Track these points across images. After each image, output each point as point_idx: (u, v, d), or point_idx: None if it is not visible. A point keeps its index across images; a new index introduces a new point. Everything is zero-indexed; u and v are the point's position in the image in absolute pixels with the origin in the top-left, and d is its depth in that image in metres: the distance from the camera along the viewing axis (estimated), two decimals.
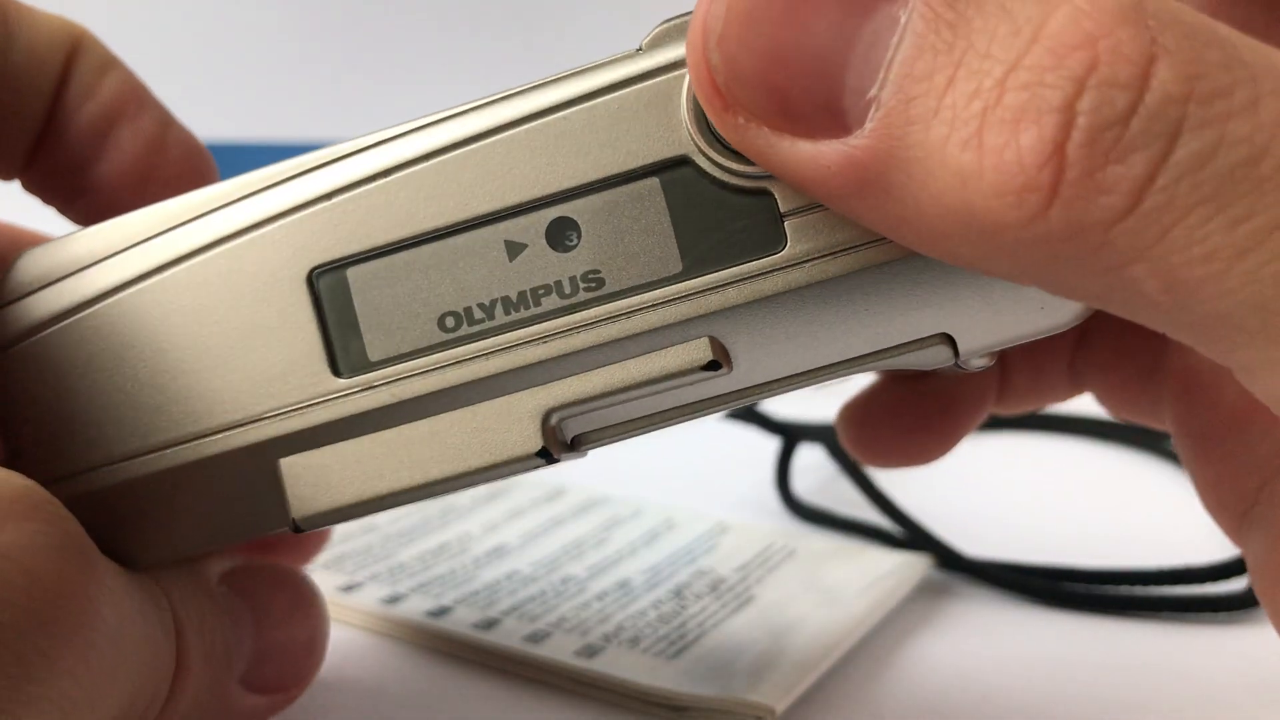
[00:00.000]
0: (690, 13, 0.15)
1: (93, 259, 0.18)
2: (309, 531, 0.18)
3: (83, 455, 0.18)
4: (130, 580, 0.17)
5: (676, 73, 0.16)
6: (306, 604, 0.22)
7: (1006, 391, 0.24)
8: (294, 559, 0.24)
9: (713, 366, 0.16)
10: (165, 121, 0.21)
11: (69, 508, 0.16)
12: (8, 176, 0.21)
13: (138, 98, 0.21)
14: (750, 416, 0.38)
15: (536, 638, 0.25)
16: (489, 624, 0.26)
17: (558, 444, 0.17)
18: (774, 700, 0.22)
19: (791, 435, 0.37)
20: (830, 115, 0.13)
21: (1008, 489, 0.37)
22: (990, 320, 0.16)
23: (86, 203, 0.21)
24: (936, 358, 0.16)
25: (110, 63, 0.21)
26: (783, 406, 0.38)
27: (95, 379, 0.18)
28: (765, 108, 0.14)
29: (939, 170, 0.12)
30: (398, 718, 0.24)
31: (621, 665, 0.24)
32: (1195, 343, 0.13)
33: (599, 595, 0.28)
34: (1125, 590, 0.28)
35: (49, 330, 0.18)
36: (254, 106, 0.73)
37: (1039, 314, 0.16)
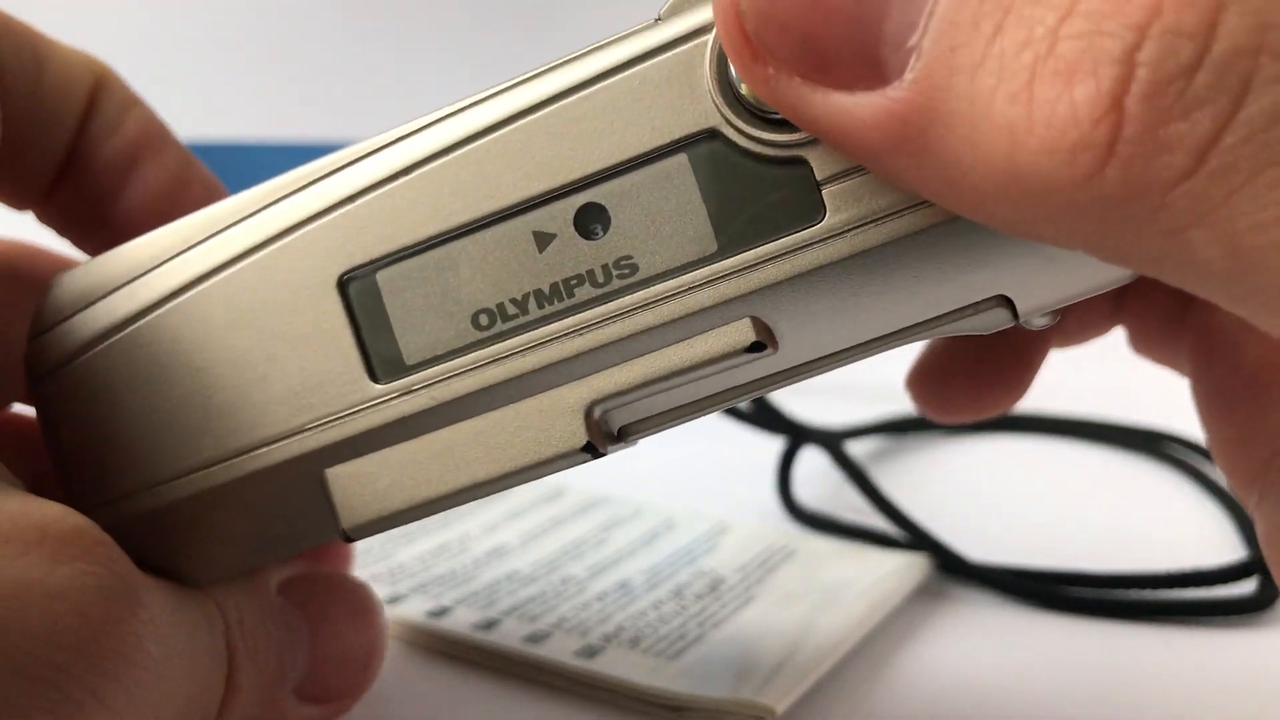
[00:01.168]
0: None
1: (122, 280, 0.18)
2: (360, 540, 0.17)
3: (127, 478, 0.18)
4: (180, 608, 0.17)
5: (698, 40, 0.15)
6: (364, 613, 0.21)
7: (1059, 331, 0.23)
8: (343, 564, 0.24)
9: (756, 348, 0.15)
10: (187, 159, 0.21)
11: (118, 532, 0.16)
12: (23, 207, 0.21)
13: (160, 134, 0.21)
14: (755, 417, 0.38)
15: (536, 638, 0.25)
16: (489, 624, 0.26)
17: (602, 437, 0.16)
18: (774, 701, 0.22)
19: (797, 436, 0.37)
20: (867, 65, 0.12)
21: (1009, 493, 0.37)
22: (1050, 277, 0.15)
23: (105, 237, 0.21)
24: (995, 321, 0.16)
25: (133, 100, 0.21)
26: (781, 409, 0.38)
27: (134, 401, 0.18)
28: (797, 57, 0.13)
29: (984, 125, 0.11)
30: (397, 718, 0.24)
31: (621, 665, 0.24)
32: (1253, 315, 0.12)
33: (599, 595, 0.28)
34: (1132, 594, 0.27)
35: (86, 355, 0.18)
36: (258, 106, 0.73)
37: (1099, 268, 0.15)
